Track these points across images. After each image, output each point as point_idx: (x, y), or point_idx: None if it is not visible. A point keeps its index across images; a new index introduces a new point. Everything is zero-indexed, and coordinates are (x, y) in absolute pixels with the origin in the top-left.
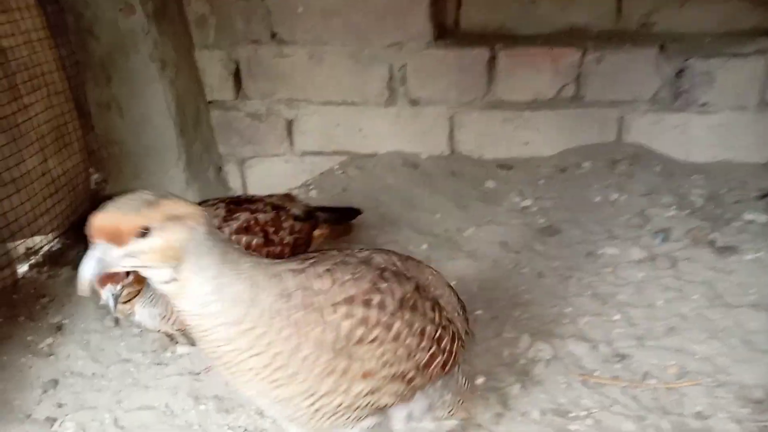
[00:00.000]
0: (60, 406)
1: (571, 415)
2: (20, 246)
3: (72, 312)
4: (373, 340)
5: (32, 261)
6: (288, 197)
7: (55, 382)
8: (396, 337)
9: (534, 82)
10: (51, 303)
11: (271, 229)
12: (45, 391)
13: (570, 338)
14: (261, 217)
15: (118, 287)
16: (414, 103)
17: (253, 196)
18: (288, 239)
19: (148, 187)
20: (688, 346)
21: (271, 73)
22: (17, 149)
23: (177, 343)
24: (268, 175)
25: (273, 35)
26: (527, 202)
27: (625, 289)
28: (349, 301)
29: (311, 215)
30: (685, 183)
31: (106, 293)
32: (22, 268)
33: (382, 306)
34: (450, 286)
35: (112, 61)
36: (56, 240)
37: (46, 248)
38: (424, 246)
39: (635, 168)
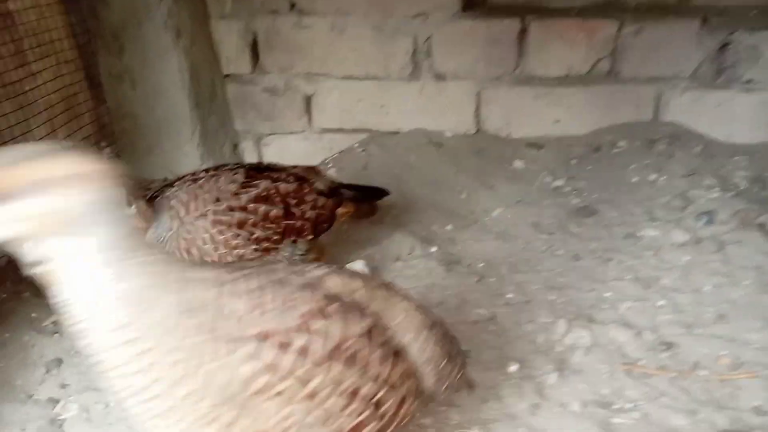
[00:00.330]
0: (63, 386)
1: (614, 407)
2: None
3: None
4: (279, 394)
5: None
6: (313, 170)
7: (59, 362)
8: (311, 396)
9: (567, 57)
10: None
11: (293, 201)
12: (48, 371)
13: (611, 324)
14: (283, 186)
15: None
16: (439, 77)
17: (275, 164)
18: (310, 214)
19: (162, 163)
20: (741, 335)
21: (289, 46)
22: (24, 118)
23: None
24: (286, 152)
25: (292, 5)
26: (559, 183)
27: (669, 274)
28: (262, 337)
29: (336, 191)
30: (728, 164)
31: None
32: None
33: (303, 352)
34: (435, 327)
35: (125, 30)
36: None
37: None
38: (449, 227)
39: (674, 148)
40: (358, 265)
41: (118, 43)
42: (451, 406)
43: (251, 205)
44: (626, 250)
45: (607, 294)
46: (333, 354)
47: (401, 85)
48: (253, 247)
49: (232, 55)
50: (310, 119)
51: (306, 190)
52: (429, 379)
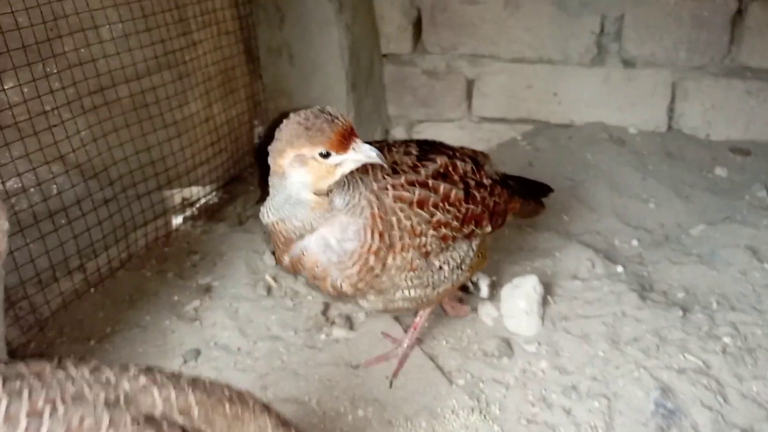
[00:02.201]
0: None
1: None
2: (177, 195)
3: (223, 274)
4: None
5: (187, 213)
6: (482, 154)
7: (197, 353)
8: None
9: None
10: (202, 261)
11: (472, 182)
12: (186, 362)
13: None
14: (460, 164)
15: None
16: (628, 63)
17: (442, 142)
18: (489, 201)
19: None
20: None
21: (456, 23)
22: (182, 89)
23: (333, 323)
24: None
25: None
26: None
27: None
28: None
29: (505, 183)
30: None
31: (361, 147)
32: (177, 220)
33: None
34: None
35: (288, 0)
36: (214, 193)
37: (203, 201)
38: (635, 242)
39: None
40: (530, 282)
41: (279, 14)
42: None
43: (432, 181)
44: None
45: None
46: None
47: (581, 70)
48: (432, 233)
49: (393, 33)
50: (469, 106)
51: (482, 173)
52: None
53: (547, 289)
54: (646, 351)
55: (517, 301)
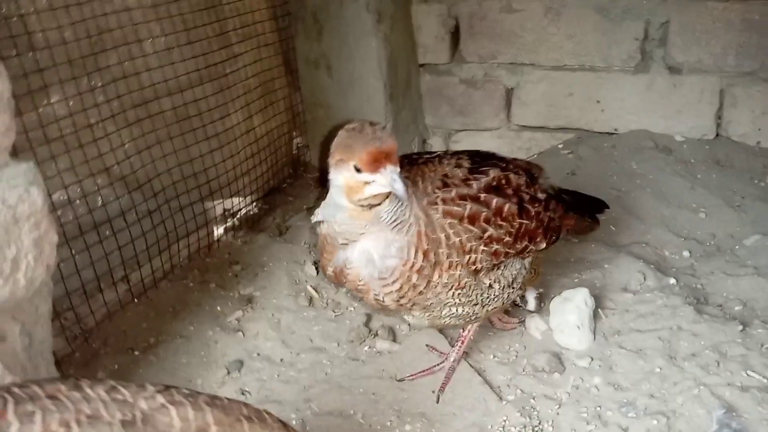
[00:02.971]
0: (243, 393)
1: None
2: (218, 206)
3: (264, 284)
4: None
5: (228, 224)
6: (536, 167)
7: (240, 364)
8: None
9: None
10: (243, 272)
11: (527, 196)
12: (229, 373)
13: None
14: (514, 177)
15: (399, 170)
16: (674, 70)
17: (494, 153)
18: (543, 216)
19: None
20: None
21: (494, 32)
22: (223, 101)
23: (376, 335)
24: None
25: None
26: None
27: None
28: None
29: (560, 197)
30: None
31: (389, 175)
32: (218, 231)
33: None
34: None
35: (326, 11)
36: (254, 204)
37: (243, 211)
38: (686, 253)
39: None
40: (581, 295)
41: (317, 26)
42: None
43: (483, 195)
44: None
45: None
46: None
47: (624, 77)
48: (483, 249)
49: (430, 43)
50: (508, 114)
51: (536, 186)
52: None
53: (598, 302)
54: (706, 367)
55: (568, 315)
